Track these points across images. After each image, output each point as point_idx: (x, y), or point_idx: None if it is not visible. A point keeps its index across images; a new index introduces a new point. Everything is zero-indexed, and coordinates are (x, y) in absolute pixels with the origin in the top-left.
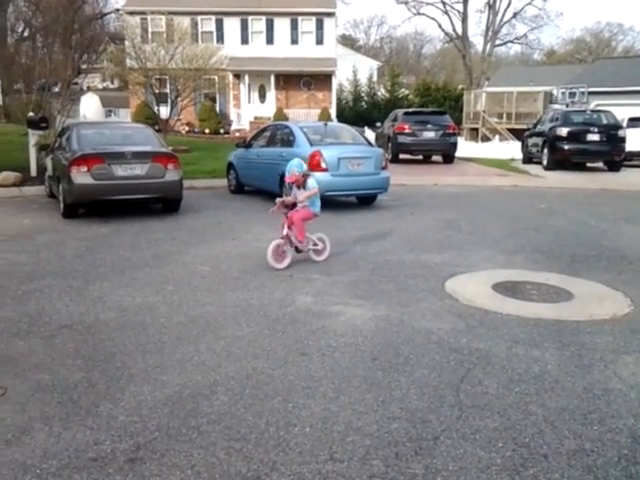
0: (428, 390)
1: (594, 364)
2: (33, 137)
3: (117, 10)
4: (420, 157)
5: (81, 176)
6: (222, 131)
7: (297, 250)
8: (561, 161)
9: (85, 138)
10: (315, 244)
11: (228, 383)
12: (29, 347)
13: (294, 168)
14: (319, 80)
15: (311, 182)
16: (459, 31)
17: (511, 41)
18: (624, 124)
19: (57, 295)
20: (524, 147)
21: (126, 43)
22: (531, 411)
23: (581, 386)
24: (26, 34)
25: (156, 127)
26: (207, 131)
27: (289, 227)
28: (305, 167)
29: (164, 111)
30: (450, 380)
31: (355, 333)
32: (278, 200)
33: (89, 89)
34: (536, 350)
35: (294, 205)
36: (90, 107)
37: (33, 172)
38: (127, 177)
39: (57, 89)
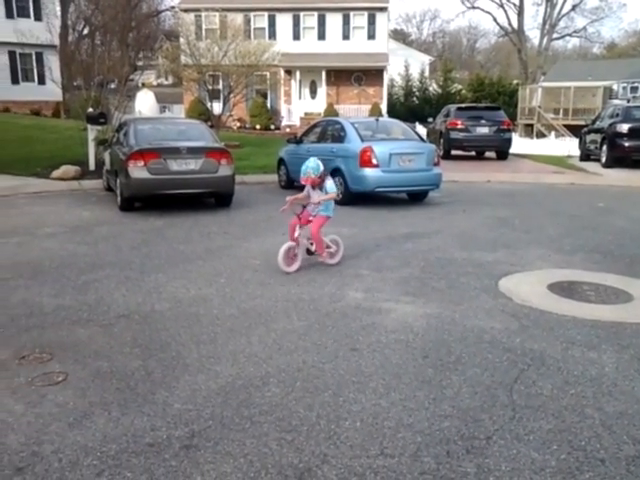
0: (480, 389)
1: None
2: (92, 132)
3: (172, 8)
4: (473, 153)
5: (138, 170)
6: (273, 127)
7: (309, 252)
8: (621, 158)
9: (142, 133)
10: (328, 246)
11: (279, 375)
12: (89, 335)
13: (309, 170)
14: (370, 75)
15: (330, 185)
16: (515, 25)
17: (569, 34)
18: None
19: (115, 285)
20: (582, 144)
21: (181, 40)
22: (587, 414)
23: None
24: (86, 32)
25: (209, 123)
26: (258, 127)
27: (301, 227)
28: (322, 168)
29: (217, 107)
30: (503, 380)
31: (406, 330)
32: (289, 198)
33: (144, 85)
34: (593, 352)
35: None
36: (145, 103)
37: (92, 166)
38: (182, 172)
39: (114, 86)
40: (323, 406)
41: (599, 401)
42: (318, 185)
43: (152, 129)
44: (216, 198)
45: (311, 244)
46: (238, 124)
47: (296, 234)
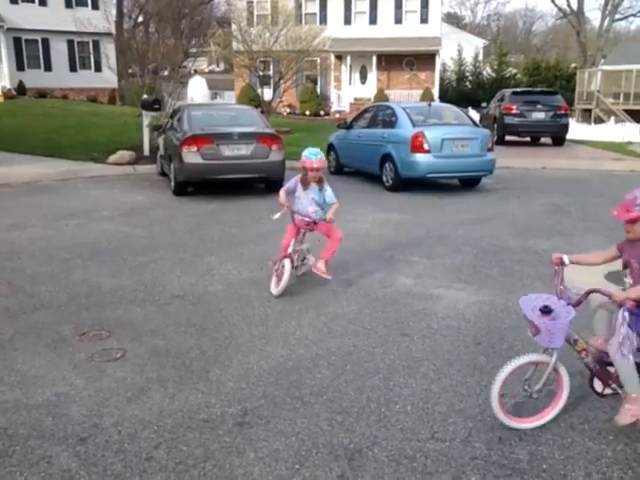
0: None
1: None
2: (146, 118)
3: None
4: (527, 139)
5: (191, 155)
6: (322, 113)
7: (296, 266)
8: None
9: (195, 119)
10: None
11: (330, 358)
12: (145, 314)
13: (320, 155)
14: (422, 60)
15: (330, 194)
16: (574, 6)
17: (633, 15)
18: None
19: (169, 267)
20: None
21: (232, 26)
22: None
23: None
24: (140, 20)
25: (259, 109)
26: (307, 113)
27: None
28: (323, 158)
29: (267, 93)
30: (573, 371)
31: (457, 317)
32: (282, 199)
33: (196, 72)
34: None
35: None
36: (197, 90)
37: (146, 151)
38: (233, 157)
39: (167, 73)
40: (373, 389)
41: None
42: (318, 181)
43: (205, 115)
44: (266, 183)
45: (305, 258)
46: (288, 110)
47: (290, 249)
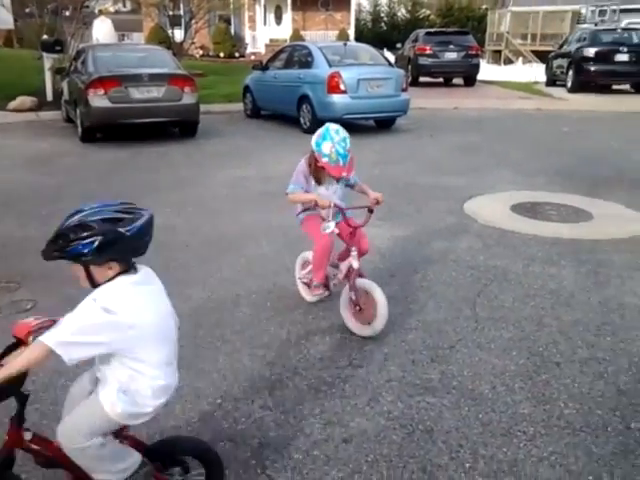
0: (445, 304)
1: (610, 280)
2: (48, 61)
3: None
4: (440, 80)
5: (98, 99)
6: (237, 54)
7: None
8: (586, 83)
9: (101, 60)
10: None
11: (250, 297)
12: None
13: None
14: (337, 0)
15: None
16: None
17: None
18: None
19: None
20: (548, 69)
21: None
22: (546, 323)
23: (596, 300)
24: None
25: (170, 51)
26: (222, 55)
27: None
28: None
29: (178, 34)
30: (467, 295)
31: (373, 252)
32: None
33: (101, 12)
34: (553, 267)
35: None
36: (102, 31)
37: (49, 97)
38: (144, 100)
39: (69, 13)
40: (294, 324)
41: (557, 311)
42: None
43: (112, 56)
44: (181, 127)
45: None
46: (201, 52)
47: (355, 264)
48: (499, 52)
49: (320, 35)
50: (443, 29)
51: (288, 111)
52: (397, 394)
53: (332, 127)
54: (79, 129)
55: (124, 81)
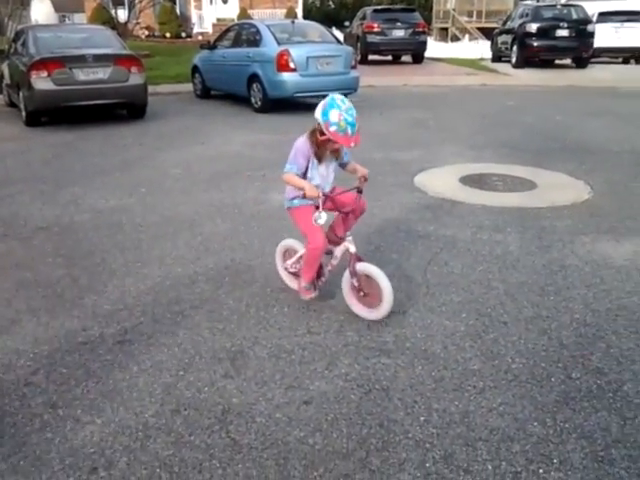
0: (398, 272)
1: (553, 244)
2: None
3: None
4: (389, 58)
5: (41, 82)
6: (184, 35)
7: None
8: (530, 58)
9: (43, 41)
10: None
11: (208, 273)
12: (7, 249)
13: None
14: None
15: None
16: None
17: None
18: (594, 19)
19: (29, 200)
20: (493, 45)
21: None
22: (493, 286)
23: (540, 263)
24: None
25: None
26: (168, 35)
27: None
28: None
29: (122, 14)
30: (418, 263)
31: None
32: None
33: None
34: (499, 234)
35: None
36: (42, 12)
37: None
38: (89, 82)
39: None
40: (252, 297)
41: (503, 274)
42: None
43: (54, 37)
44: (128, 109)
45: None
46: (146, 32)
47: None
48: (446, 29)
49: (268, 14)
50: (390, 6)
51: (238, 90)
52: (354, 357)
53: (337, 96)
54: (23, 113)
55: (68, 62)
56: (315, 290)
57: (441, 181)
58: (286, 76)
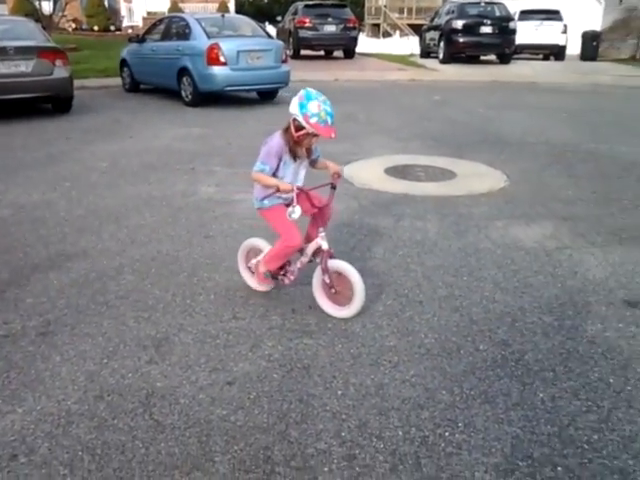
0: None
1: (469, 230)
2: None
3: None
4: (322, 53)
5: None
6: (113, 28)
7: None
8: (456, 54)
9: None
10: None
11: (134, 265)
12: None
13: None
14: None
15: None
16: None
17: None
18: (516, 17)
19: None
20: (422, 41)
21: None
22: (411, 269)
23: (456, 247)
24: None
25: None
26: (96, 28)
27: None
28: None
29: (46, 6)
30: (343, 249)
31: (255, 216)
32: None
33: None
34: (420, 222)
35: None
36: None
37: None
38: (11, 75)
39: None
40: (178, 286)
41: (422, 258)
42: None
43: None
44: (53, 103)
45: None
46: (73, 25)
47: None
48: (378, 26)
49: (200, 8)
50: (321, 2)
51: (168, 84)
52: (278, 339)
53: (310, 89)
54: None
55: None
56: (272, 282)
57: (367, 172)
58: (217, 70)
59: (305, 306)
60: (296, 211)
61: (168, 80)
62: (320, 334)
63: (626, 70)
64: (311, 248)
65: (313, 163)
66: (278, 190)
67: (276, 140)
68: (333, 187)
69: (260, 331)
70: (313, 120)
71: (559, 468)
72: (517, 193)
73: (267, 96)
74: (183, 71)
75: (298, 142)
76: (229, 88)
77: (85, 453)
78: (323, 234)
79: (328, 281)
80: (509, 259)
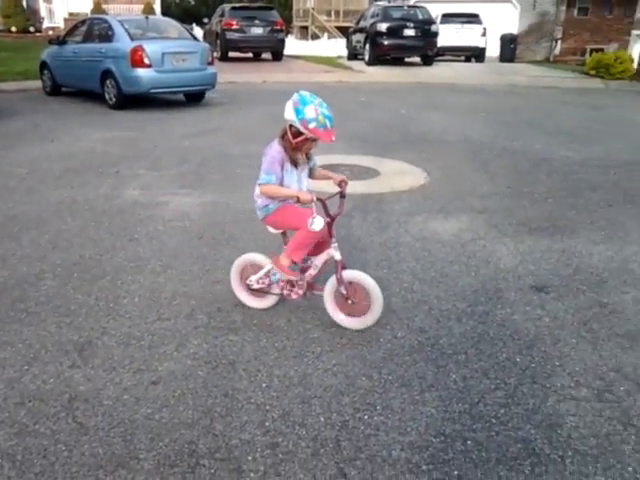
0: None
1: (390, 225)
2: None
3: None
4: (250, 55)
5: None
6: (32, 29)
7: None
8: (381, 56)
9: None
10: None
11: (55, 270)
12: None
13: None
14: None
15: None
16: None
17: None
18: (438, 20)
19: None
20: (349, 44)
21: None
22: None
23: (377, 242)
24: None
25: None
26: (14, 29)
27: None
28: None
29: None
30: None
31: (183, 217)
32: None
33: None
34: (345, 218)
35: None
36: None
37: None
38: None
39: None
40: (101, 290)
41: (345, 254)
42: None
43: None
44: None
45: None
46: None
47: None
48: (306, 28)
49: (124, 9)
50: (248, 4)
51: (91, 87)
52: (203, 337)
53: (303, 92)
54: None
55: None
56: (298, 274)
57: None
58: (141, 72)
59: (231, 304)
60: (316, 222)
61: (91, 83)
62: (246, 330)
63: (540, 71)
64: (321, 259)
65: (311, 172)
66: (298, 200)
67: (276, 148)
68: (342, 196)
69: (186, 330)
70: (312, 125)
71: (469, 442)
72: (437, 189)
73: (194, 98)
74: (106, 73)
75: (297, 148)
76: (154, 90)
77: (5, 460)
78: (336, 244)
79: (345, 292)
80: (427, 251)
